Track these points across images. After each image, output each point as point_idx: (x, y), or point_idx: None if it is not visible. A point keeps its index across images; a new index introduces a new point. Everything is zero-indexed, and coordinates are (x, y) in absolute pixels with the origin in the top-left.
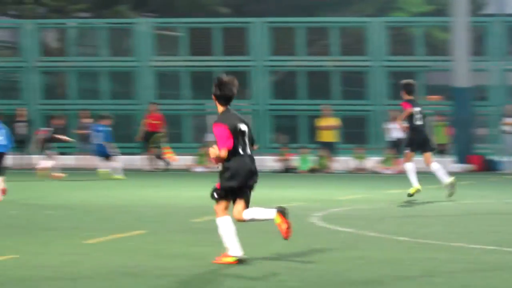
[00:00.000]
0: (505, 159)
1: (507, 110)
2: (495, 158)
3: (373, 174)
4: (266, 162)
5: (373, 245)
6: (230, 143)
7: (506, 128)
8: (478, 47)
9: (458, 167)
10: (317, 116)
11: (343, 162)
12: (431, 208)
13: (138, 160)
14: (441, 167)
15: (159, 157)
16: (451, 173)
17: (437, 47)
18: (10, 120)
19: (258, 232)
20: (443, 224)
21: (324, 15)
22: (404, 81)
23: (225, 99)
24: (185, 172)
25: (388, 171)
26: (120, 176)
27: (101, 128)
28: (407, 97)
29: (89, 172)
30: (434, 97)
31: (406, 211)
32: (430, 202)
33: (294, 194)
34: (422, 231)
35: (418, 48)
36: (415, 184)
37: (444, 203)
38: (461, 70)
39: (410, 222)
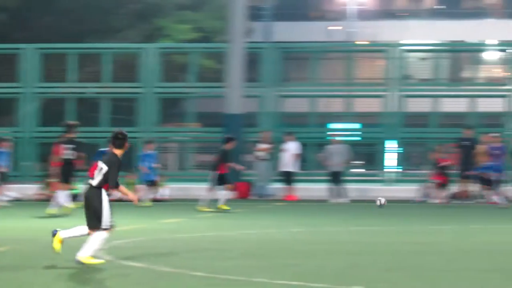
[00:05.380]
0: (267, 185)
1: (262, 137)
2: (261, 184)
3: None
4: (28, 190)
5: (172, 282)
6: None
7: (260, 154)
8: (251, 73)
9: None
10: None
11: None
12: (218, 239)
13: None
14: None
15: None
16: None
17: (205, 74)
18: None
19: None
20: (239, 257)
21: (94, 42)
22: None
23: None
24: None
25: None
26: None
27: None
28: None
29: None
30: (195, 124)
31: (194, 242)
32: (211, 232)
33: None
34: (219, 264)
35: (189, 75)
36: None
37: (225, 233)
38: (234, 97)
39: (203, 255)
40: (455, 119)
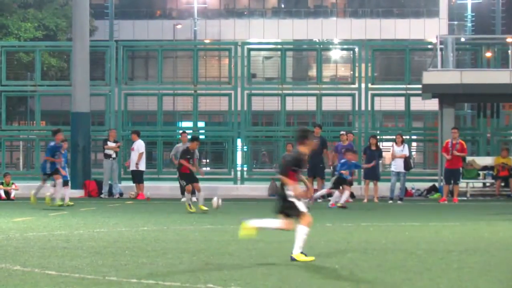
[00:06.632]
0: (116, 184)
1: (110, 135)
2: (110, 182)
3: None
4: None
5: (23, 281)
6: None
7: (108, 152)
8: (97, 72)
9: (76, 192)
10: None
11: None
12: (68, 238)
13: None
14: None
15: None
16: (71, 199)
17: (50, 72)
18: None
19: None
20: (90, 256)
21: None
22: None
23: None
24: None
25: None
26: None
27: None
28: None
29: None
30: (41, 123)
31: (44, 241)
32: (62, 231)
33: None
34: (71, 263)
35: (34, 73)
36: None
37: (76, 231)
38: (80, 95)
39: (54, 254)
40: (303, 118)
